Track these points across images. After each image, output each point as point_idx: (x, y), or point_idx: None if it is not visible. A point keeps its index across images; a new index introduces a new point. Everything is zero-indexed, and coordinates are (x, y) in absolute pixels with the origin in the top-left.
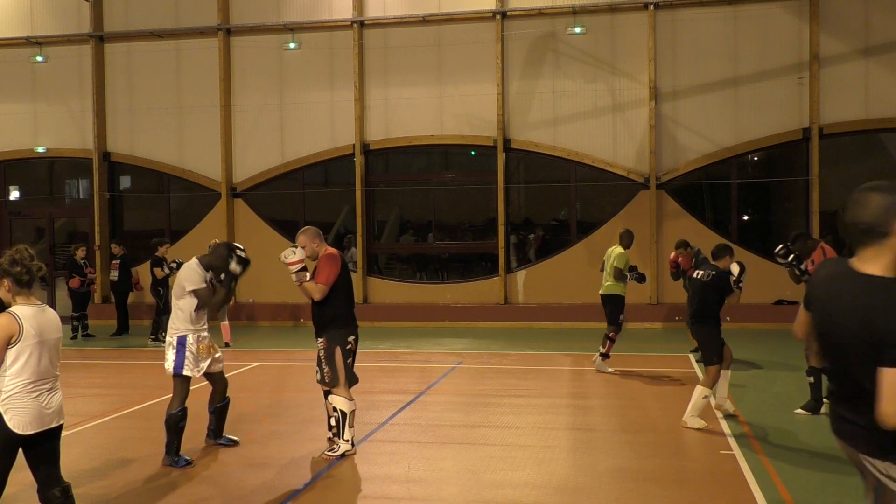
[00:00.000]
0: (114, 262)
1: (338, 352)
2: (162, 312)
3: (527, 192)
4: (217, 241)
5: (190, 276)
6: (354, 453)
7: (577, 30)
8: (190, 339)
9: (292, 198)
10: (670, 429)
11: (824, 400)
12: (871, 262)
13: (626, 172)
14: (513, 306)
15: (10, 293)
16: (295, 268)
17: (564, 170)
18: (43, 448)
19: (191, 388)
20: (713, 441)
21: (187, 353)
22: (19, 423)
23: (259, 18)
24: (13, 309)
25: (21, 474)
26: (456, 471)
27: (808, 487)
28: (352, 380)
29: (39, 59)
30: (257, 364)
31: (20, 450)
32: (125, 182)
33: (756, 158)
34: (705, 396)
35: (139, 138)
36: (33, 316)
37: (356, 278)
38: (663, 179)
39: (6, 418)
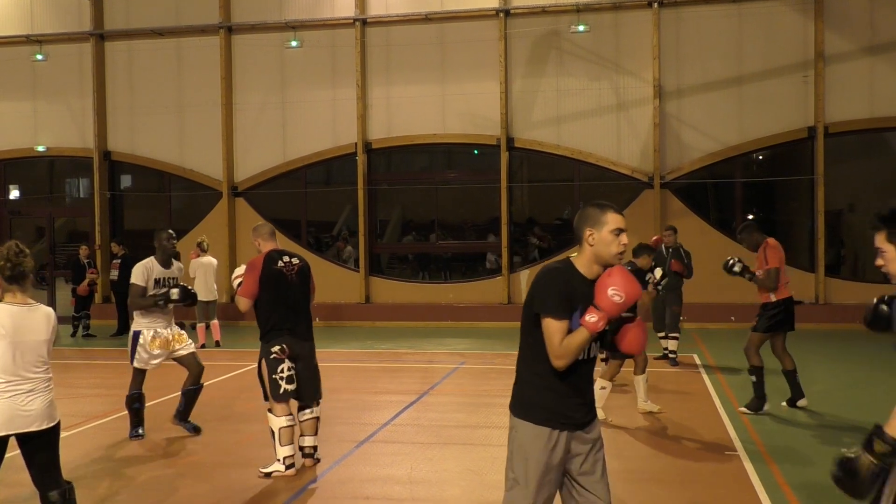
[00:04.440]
0: (114, 261)
1: (262, 365)
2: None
3: (530, 191)
4: (205, 238)
5: (134, 270)
6: (292, 475)
7: (581, 28)
8: (144, 334)
9: (294, 197)
10: (674, 430)
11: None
12: None
13: (630, 171)
14: (516, 306)
15: (0, 289)
16: (236, 282)
17: (568, 169)
18: (32, 454)
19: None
20: (718, 442)
21: (138, 348)
22: None
23: (261, 16)
24: None
25: (21, 475)
26: (459, 472)
27: (814, 489)
28: (283, 395)
29: (39, 57)
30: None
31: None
32: (126, 181)
33: (761, 157)
34: (602, 388)
35: (140, 137)
36: (12, 315)
37: (358, 278)
38: (668, 178)
39: None
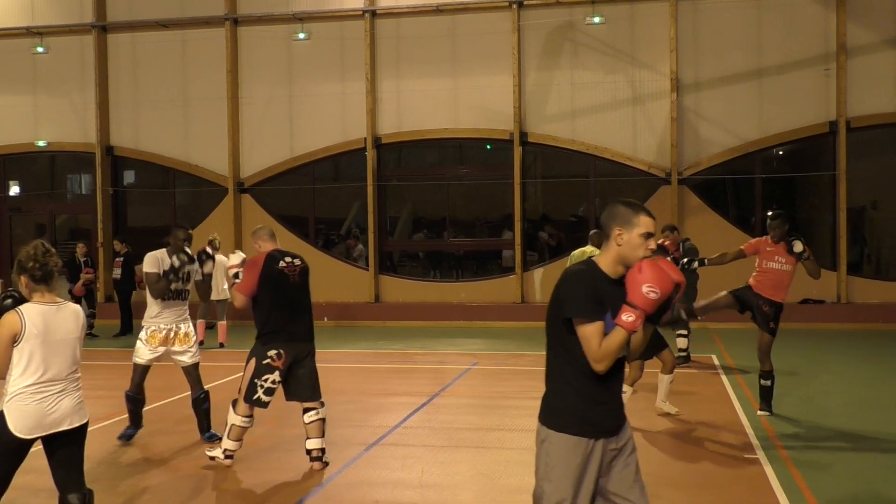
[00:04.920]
0: (117, 259)
1: (251, 363)
2: None
3: (544, 187)
4: (216, 236)
5: (146, 259)
6: (227, 465)
7: (596, 19)
8: (146, 329)
9: (302, 193)
10: (692, 432)
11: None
12: None
13: (646, 167)
14: (529, 305)
15: (28, 289)
16: (232, 271)
17: (583, 164)
18: (57, 451)
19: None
20: (737, 445)
21: (138, 342)
22: (20, 427)
23: (267, 8)
24: (22, 306)
25: (22, 479)
26: (471, 475)
27: (836, 494)
28: (255, 402)
29: (40, 49)
30: None
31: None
32: (129, 177)
33: (781, 153)
34: (622, 392)
35: (143, 132)
36: (41, 314)
37: (367, 276)
38: (685, 174)
39: (8, 421)
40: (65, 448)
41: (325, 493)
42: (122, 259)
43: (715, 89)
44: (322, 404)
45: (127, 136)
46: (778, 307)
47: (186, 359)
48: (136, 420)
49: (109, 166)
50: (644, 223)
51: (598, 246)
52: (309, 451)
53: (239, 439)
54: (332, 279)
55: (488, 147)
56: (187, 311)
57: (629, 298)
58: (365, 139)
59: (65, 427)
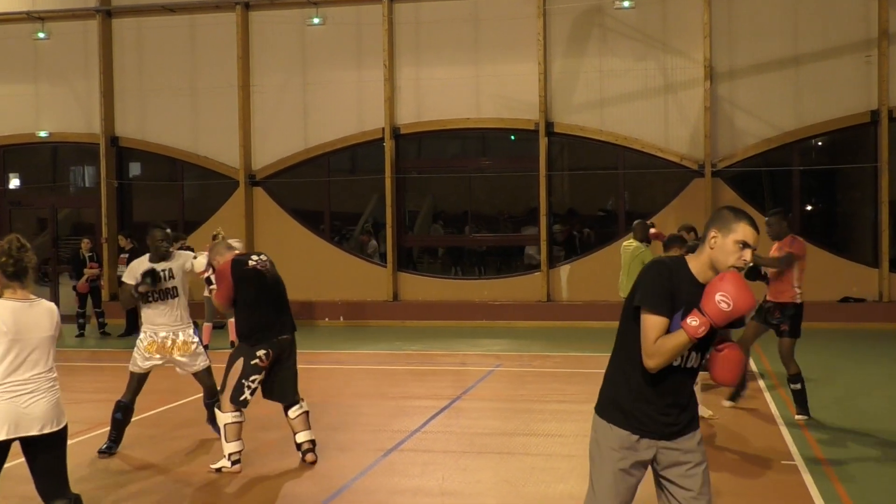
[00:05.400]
0: (122, 255)
1: (237, 364)
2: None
3: (571, 179)
4: (221, 231)
5: (127, 269)
6: (237, 472)
7: (626, 4)
8: (142, 336)
9: (316, 186)
10: (727, 438)
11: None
12: None
13: (678, 159)
14: (555, 304)
15: (0, 286)
16: (203, 276)
17: (612, 156)
18: (37, 458)
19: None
20: (774, 451)
21: (135, 351)
22: None
23: None
24: None
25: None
26: (494, 483)
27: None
28: (241, 403)
29: (41, 35)
30: None
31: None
32: (135, 169)
33: (820, 144)
34: None
35: (150, 122)
36: (13, 311)
37: (385, 273)
38: (719, 166)
39: None
40: (43, 455)
41: (341, 500)
42: (126, 255)
43: (750, 77)
44: (302, 399)
45: (132, 127)
46: (786, 308)
47: (196, 366)
48: (118, 434)
49: (114, 158)
50: (742, 231)
51: (641, 239)
52: (299, 446)
53: (238, 438)
54: (348, 277)
55: (512, 138)
56: (186, 316)
57: (701, 304)
58: (383, 129)
59: (35, 431)
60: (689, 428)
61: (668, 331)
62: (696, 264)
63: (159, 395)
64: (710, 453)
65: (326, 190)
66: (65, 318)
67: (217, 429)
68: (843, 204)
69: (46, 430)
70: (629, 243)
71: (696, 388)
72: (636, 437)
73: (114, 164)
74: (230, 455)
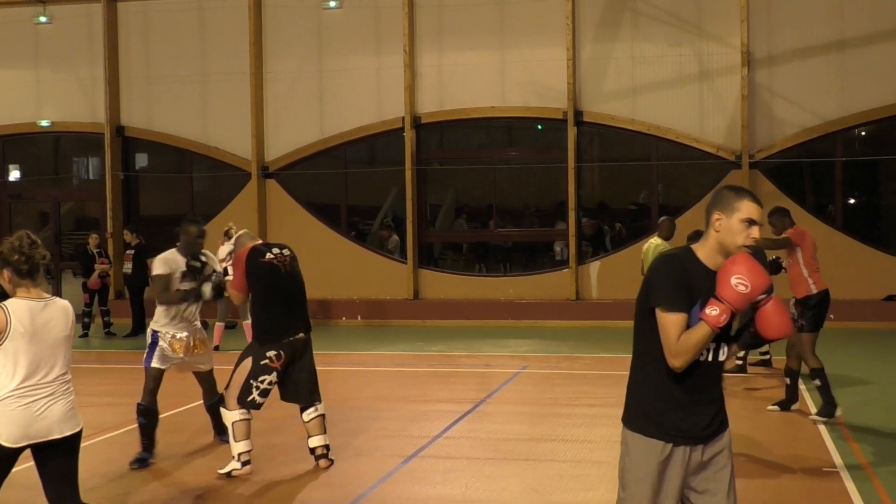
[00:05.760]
0: (128, 252)
1: (246, 363)
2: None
3: (601, 171)
4: (232, 225)
5: (156, 261)
6: (248, 473)
7: None
8: (162, 334)
9: (333, 178)
10: (765, 442)
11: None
12: None
13: (714, 149)
14: (585, 302)
15: (11, 284)
16: (222, 266)
17: (644, 146)
18: (48, 463)
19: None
20: (815, 457)
21: (157, 348)
22: (6, 435)
23: None
24: (6, 302)
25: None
26: (520, 491)
27: None
28: (249, 403)
29: (43, 19)
30: None
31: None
32: (141, 160)
33: (864, 133)
34: None
35: (157, 110)
36: (28, 311)
37: (405, 270)
38: (757, 157)
39: None
40: (56, 460)
41: None
42: (133, 252)
43: (791, 63)
44: (320, 400)
45: (139, 116)
46: (807, 301)
47: (209, 364)
48: (149, 441)
49: (120, 148)
50: (746, 208)
51: (667, 237)
52: (313, 450)
53: (247, 437)
54: (366, 274)
55: (539, 127)
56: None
57: (717, 291)
58: (403, 118)
59: (55, 436)
60: (722, 428)
61: (688, 326)
62: (704, 251)
63: (168, 398)
64: (748, 460)
65: (343, 182)
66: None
67: (226, 437)
68: (888, 197)
69: (66, 433)
70: (652, 241)
71: None
72: (669, 445)
73: (119, 155)
74: (239, 455)
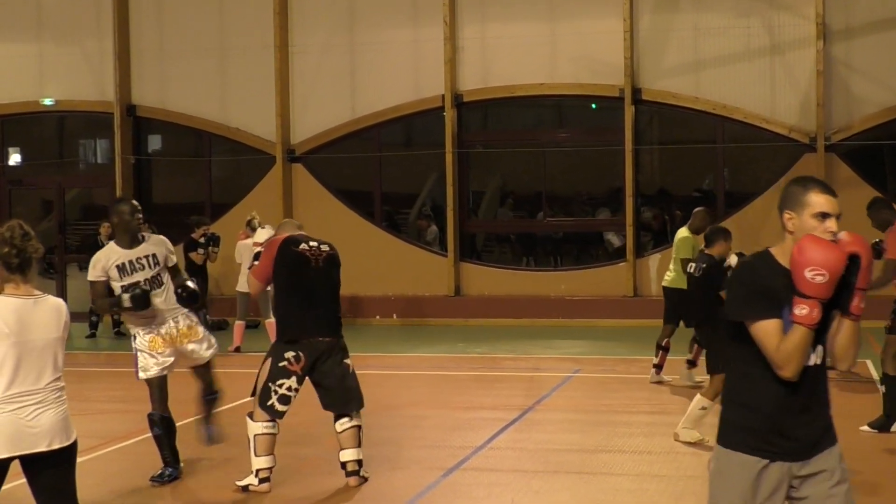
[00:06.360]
0: None
1: (266, 365)
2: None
3: (661, 155)
4: (256, 215)
5: (90, 266)
6: (265, 491)
7: None
8: (140, 336)
9: (365, 163)
10: (851, 454)
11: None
12: None
13: (786, 131)
14: (643, 299)
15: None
16: (255, 250)
17: (709, 127)
18: (39, 478)
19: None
20: None
21: (139, 355)
22: None
23: None
24: None
25: None
26: None
27: None
28: (269, 409)
29: None
30: None
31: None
32: (154, 143)
33: None
34: (703, 408)
35: (172, 88)
36: (16, 310)
37: (446, 264)
38: (834, 139)
39: None
40: (48, 473)
41: None
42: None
43: (870, 36)
44: (357, 410)
45: (152, 94)
46: None
47: (208, 352)
48: (170, 453)
49: (130, 130)
50: (816, 201)
51: (697, 230)
52: (344, 465)
53: (270, 452)
54: (402, 268)
55: (593, 106)
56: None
57: (797, 288)
58: (442, 96)
59: (43, 448)
60: (827, 442)
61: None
62: (782, 253)
63: (182, 405)
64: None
65: (377, 167)
66: (75, 316)
67: (209, 434)
68: None
69: (55, 446)
70: (680, 232)
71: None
72: (765, 461)
73: (130, 136)
74: (258, 471)
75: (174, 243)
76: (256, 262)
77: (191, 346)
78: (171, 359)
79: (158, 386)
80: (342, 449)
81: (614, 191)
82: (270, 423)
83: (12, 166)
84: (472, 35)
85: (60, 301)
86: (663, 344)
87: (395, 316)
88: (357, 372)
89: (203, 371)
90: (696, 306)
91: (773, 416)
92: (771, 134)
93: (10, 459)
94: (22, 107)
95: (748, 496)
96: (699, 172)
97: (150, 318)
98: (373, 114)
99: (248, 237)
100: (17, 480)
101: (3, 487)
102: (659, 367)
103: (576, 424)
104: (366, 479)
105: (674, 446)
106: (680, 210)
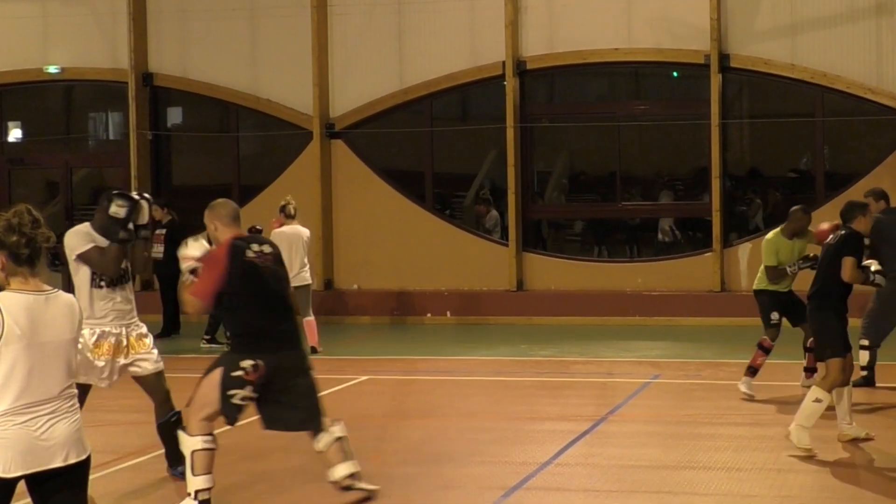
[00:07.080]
0: (157, 231)
1: (215, 374)
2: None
3: (752, 130)
4: (291, 200)
5: (71, 241)
6: None
7: None
8: (85, 335)
9: (415, 139)
10: (886, 466)
11: None
12: None
13: (895, 102)
14: (732, 295)
15: (5, 272)
16: (185, 265)
17: (807, 98)
18: (50, 495)
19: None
20: None
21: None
22: (1, 462)
23: None
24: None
25: None
26: None
27: None
28: (230, 415)
29: None
30: (365, 378)
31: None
32: (174, 116)
33: None
34: (817, 400)
35: (194, 54)
36: (28, 307)
37: (506, 254)
38: None
39: None
40: (60, 493)
41: None
42: (164, 232)
43: None
44: (337, 422)
45: (171, 60)
46: None
47: (148, 366)
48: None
49: (147, 101)
50: None
51: (792, 234)
52: (338, 482)
53: (208, 471)
54: (457, 259)
55: (675, 74)
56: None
57: None
58: (503, 63)
59: (57, 464)
60: None
61: None
62: None
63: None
64: (868, 485)
65: (428, 144)
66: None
67: (180, 470)
68: None
69: (71, 460)
70: (768, 237)
71: (843, 400)
72: None
73: (147, 109)
74: (197, 493)
75: (196, 232)
76: (193, 278)
77: (134, 358)
78: (108, 370)
79: (84, 392)
80: (332, 466)
81: (699, 171)
82: (209, 438)
83: (13, 143)
84: None
85: (72, 297)
86: (808, 345)
87: (448, 314)
88: (405, 378)
89: (152, 384)
90: (822, 283)
91: None
92: (877, 106)
93: (19, 478)
94: (23, 75)
95: None
96: (795, 150)
97: (107, 316)
98: (423, 83)
99: (282, 225)
100: (21, 500)
101: None
102: (811, 371)
103: (654, 438)
104: (373, 492)
105: (766, 462)
106: (776, 192)
